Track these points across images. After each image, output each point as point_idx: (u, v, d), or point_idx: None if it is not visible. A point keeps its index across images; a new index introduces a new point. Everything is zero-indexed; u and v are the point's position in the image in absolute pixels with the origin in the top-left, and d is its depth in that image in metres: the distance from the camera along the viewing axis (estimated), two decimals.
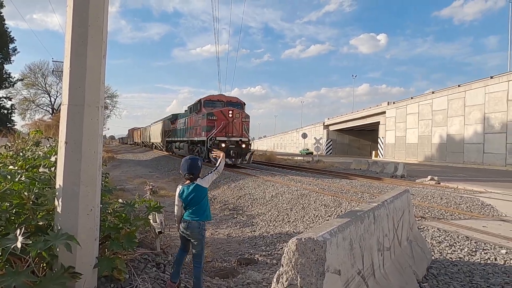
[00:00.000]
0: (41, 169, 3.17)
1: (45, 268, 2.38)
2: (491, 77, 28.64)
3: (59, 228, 2.33)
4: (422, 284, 3.54)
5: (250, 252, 5.44)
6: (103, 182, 3.53)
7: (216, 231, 6.80)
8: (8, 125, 30.51)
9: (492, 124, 28.02)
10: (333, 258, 1.98)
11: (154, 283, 2.96)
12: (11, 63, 34.09)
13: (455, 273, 3.99)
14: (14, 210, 2.48)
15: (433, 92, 35.77)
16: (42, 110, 49.00)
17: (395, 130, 41.12)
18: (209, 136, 17.57)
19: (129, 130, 75.66)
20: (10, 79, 35.33)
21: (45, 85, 48.00)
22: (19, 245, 1.96)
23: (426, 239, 5.10)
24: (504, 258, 4.43)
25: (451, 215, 7.26)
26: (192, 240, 3.16)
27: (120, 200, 3.55)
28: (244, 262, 4.81)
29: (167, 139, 31.35)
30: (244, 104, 20.47)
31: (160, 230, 3.99)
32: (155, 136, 38.17)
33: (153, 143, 41.40)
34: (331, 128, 61.27)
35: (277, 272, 1.94)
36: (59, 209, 2.40)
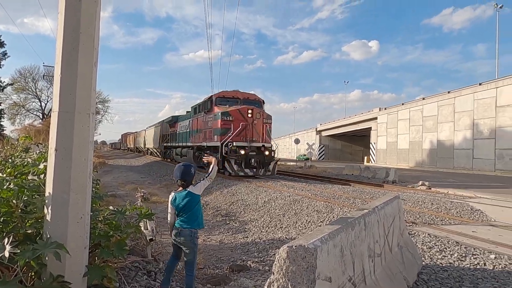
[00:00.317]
0: (30, 176, 3.13)
1: (33, 277, 2.35)
2: (480, 84, 29.20)
3: (48, 236, 2.31)
4: None
5: (243, 259, 5.42)
6: (93, 189, 3.50)
7: (208, 238, 6.76)
8: None
9: (481, 130, 28.50)
10: (324, 265, 1.99)
11: None
12: (1, 67, 33.72)
13: (445, 278, 4.02)
14: (2, 218, 2.45)
15: (423, 99, 36.31)
16: (32, 115, 48.54)
17: (386, 135, 41.54)
18: (224, 141, 14.60)
19: (122, 135, 74.19)
20: (0, 83, 34.90)
21: (35, 89, 47.59)
22: (7, 254, 1.94)
23: (417, 245, 5.14)
24: (493, 263, 4.49)
25: (441, 220, 7.34)
26: (184, 248, 3.13)
27: (111, 207, 3.52)
28: (236, 269, 4.79)
29: (165, 144, 28.42)
30: (263, 102, 17.32)
31: (151, 237, 3.96)
32: (151, 141, 35.06)
33: (148, 149, 38.46)
34: (324, 133, 61.63)
35: (268, 279, 1.94)
36: (48, 217, 2.37)
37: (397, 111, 39.73)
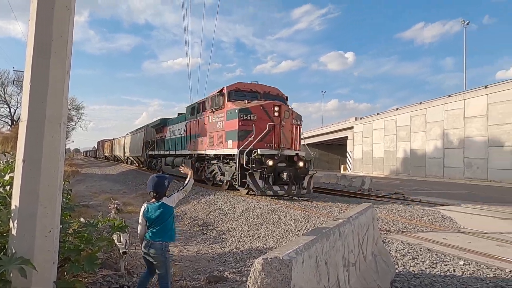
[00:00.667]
0: None
1: None
2: (449, 96, 30.63)
3: (14, 251, 2.20)
4: None
5: (220, 270, 5.35)
6: (64, 199, 3.37)
7: (185, 248, 6.64)
8: None
9: (451, 139, 29.77)
10: (299, 276, 2.00)
11: None
12: None
13: (417, 285, 4.13)
14: None
15: (397, 109, 37.63)
16: (0, 121, 46.37)
17: (362, 144, 42.57)
18: (244, 148, 10.63)
19: (98, 142, 69.31)
20: None
21: (4, 95, 45.60)
22: None
23: (391, 252, 5.26)
24: (462, 269, 4.65)
25: (414, 228, 7.56)
26: (155, 263, 3.04)
27: (82, 219, 3.41)
28: (213, 280, 4.72)
29: (150, 152, 24.15)
30: (287, 98, 13.35)
31: (124, 250, 3.85)
32: (133, 148, 29.65)
33: (128, 158, 33.20)
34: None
35: None
36: (14, 231, 2.27)
37: (372, 120, 40.89)
